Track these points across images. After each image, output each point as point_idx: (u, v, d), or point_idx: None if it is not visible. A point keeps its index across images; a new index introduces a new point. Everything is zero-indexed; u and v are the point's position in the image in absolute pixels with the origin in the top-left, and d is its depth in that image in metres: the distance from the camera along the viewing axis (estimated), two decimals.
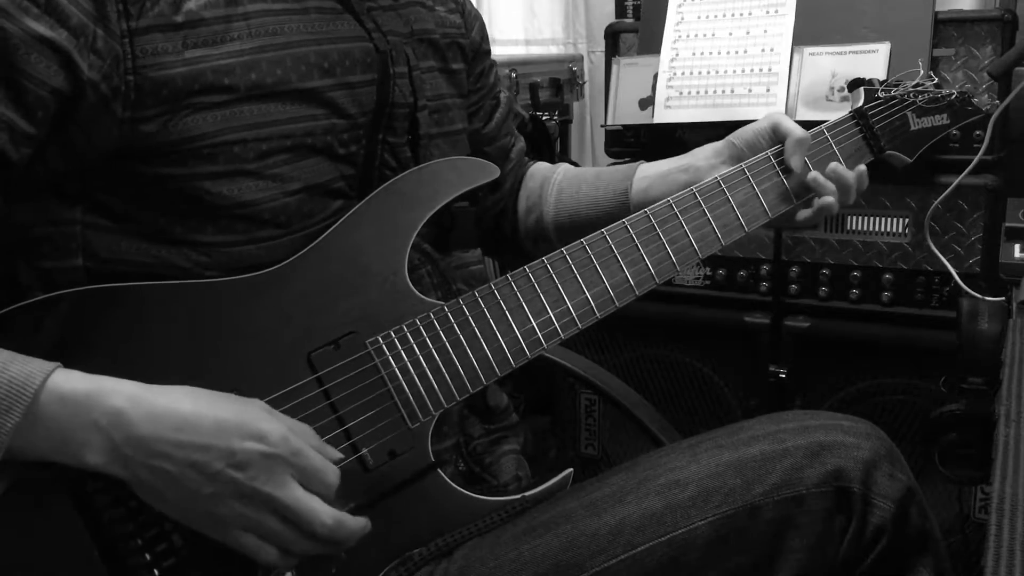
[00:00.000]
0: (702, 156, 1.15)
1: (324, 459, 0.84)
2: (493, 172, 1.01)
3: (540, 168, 1.29)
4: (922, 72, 1.27)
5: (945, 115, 1.25)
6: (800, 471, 0.95)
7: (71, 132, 0.85)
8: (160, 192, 0.88)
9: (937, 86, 1.27)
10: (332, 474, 0.84)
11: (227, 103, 0.88)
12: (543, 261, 0.99)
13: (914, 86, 1.24)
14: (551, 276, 0.99)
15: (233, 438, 0.80)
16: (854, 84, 1.23)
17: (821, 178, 1.11)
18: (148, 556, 0.83)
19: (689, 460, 0.99)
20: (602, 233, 1.02)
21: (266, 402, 0.85)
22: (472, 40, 1.17)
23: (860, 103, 1.20)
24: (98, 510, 0.82)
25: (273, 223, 0.91)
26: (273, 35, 0.91)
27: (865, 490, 0.95)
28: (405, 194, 0.97)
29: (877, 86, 1.22)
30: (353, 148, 0.97)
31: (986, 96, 1.70)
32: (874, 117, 1.19)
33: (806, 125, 1.71)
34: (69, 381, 0.79)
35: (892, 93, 1.21)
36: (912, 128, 1.22)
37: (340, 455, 0.87)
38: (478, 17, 1.21)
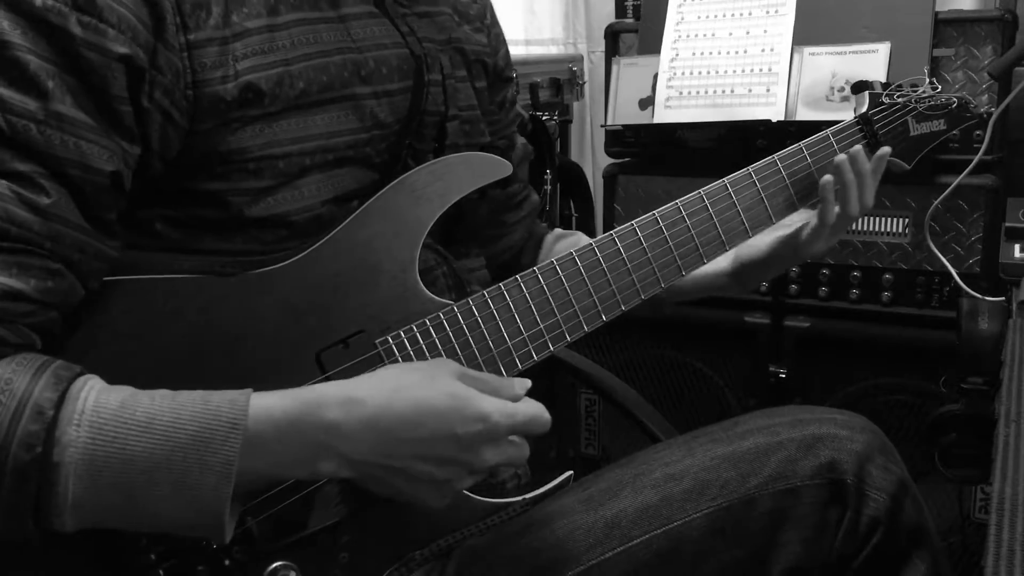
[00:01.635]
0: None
1: (532, 405, 0.85)
2: (506, 169, 0.99)
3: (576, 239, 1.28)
4: (927, 78, 1.26)
5: (943, 120, 1.25)
6: (794, 463, 0.96)
7: (151, 148, 0.83)
8: (197, 205, 0.87)
9: (933, 87, 1.26)
10: (544, 412, 0.85)
11: (274, 115, 0.87)
12: (552, 263, 0.98)
13: (919, 92, 1.23)
14: (560, 279, 0.98)
15: (456, 425, 0.80)
16: (858, 87, 1.22)
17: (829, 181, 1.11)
18: (153, 556, 0.83)
19: (684, 454, 0.99)
20: (611, 235, 1.01)
21: None
22: (496, 63, 1.16)
23: (864, 108, 1.19)
24: None
25: (302, 233, 0.90)
26: (312, 44, 0.90)
27: (859, 482, 0.95)
28: (417, 190, 0.95)
29: (880, 90, 1.21)
30: (386, 156, 0.96)
31: (986, 96, 1.70)
32: (878, 123, 1.18)
33: (806, 125, 1.72)
34: (272, 400, 0.77)
35: (896, 98, 1.21)
36: (912, 134, 1.22)
37: (528, 382, 0.89)
38: (504, 42, 1.19)
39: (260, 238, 0.89)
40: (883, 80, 1.26)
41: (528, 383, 0.88)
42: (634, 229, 1.03)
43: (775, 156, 1.11)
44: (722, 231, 1.07)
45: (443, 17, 1.06)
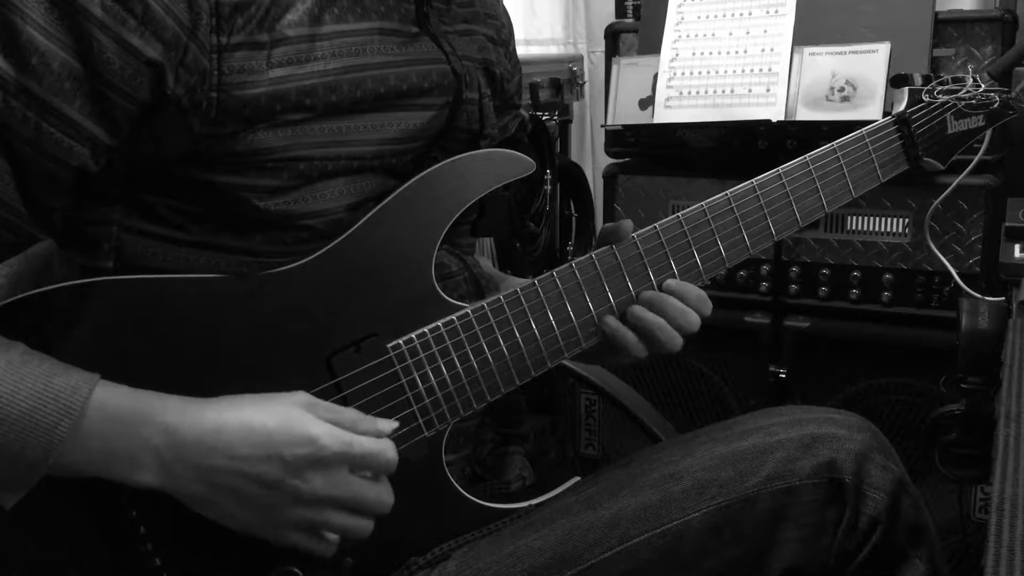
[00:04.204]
0: None
1: (376, 440, 0.84)
2: (529, 167, 0.98)
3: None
4: (970, 74, 1.20)
5: (981, 117, 1.19)
6: (793, 463, 0.96)
7: (143, 139, 0.84)
8: (212, 198, 0.87)
9: (976, 85, 1.20)
10: (389, 450, 0.84)
11: (300, 122, 0.87)
12: (571, 265, 0.96)
13: (963, 90, 1.17)
14: (578, 283, 0.96)
15: (283, 447, 0.79)
16: (898, 81, 1.15)
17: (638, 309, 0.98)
18: (158, 560, 0.84)
19: (683, 454, 0.99)
20: (633, 238, 0.99)
21: None
22: (509, 89, 1.16)
23: (903, 106, 1.13)
24: (109, 511, 0.82)
25: (323, 237, 0.90)
26: (355, 56, 0.89)
27: (858, 481, 0.95)
28: (437, 188, 0.93)
29: (921, 85, 1.15)
30: (410, 168, 0.95)
31: None
32: (916, 122, 1.13)
33: (806, 125, 1.72)
34: (114, 396, 0.78)
35: (936, 95, 1.15)
36: (949, 132, 1.16)
37: (395, 424, 0.87)
38: (520, 71, 1.20)
39: (281, 239, 0.89)
40: (923, 74, 1.18)
41: (394, 424, 0.87)
42: (657, 232, 1.00)
43: (807, 156, 1.06)
44: (747, 235, 1.03)
45: (480, 37, 1.06)
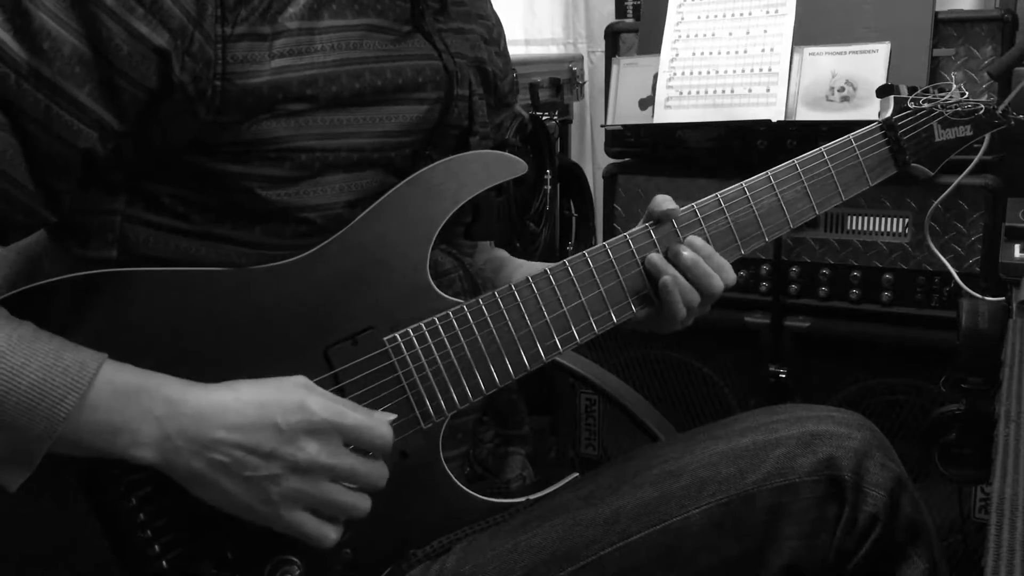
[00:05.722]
0: None
1: (370, 414, 0.86)
2: (521, 168, 0.99)
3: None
4: (954, 83, 1.22)
5: (969, 126, 1.22)
6: (793, 460, 0.96)
7: (150, 128, 0.85)
8: (216, 187, 0.88)
9: (961, 93, 1.22)
10: (382, 425, 0.86)
11: (302, 112, 0.88)
12: (565, 264, 0.98)
13: (947, 97, 1.19)
14: (572, 280, 0.98)
15: (276, 414, 0.81)
16: (883, 91, 1.19)
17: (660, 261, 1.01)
18: (157, 548, 0.84)
19: (683, 451, 1.00)
20: (625, 237, 1.01)
21: None
22: (502, 87, 1.17)
23: (889, 113, 1.16)
24: (109, 499, 0.83)
25: (321, 230, 0.91)
26: (353, 49, 0.91)
27: (857, 479, 0.95)
28: (431, 187, 0.95)
29: (906, 94, 1.18)
30: (408, 163, 0.97)
31: (986, 96, 1.70)
32: (902, 128, 1.15)
33: (806, 125, 1.72)
34: (120, 372, 0.80)
35: (922, 103, 1.17)
36: (936, 140, 1.19)
37: (393, 415, 0.88)
38: (512, 70, 1.22)
39: (281, 232, 0.90)
40: (909, 84, 1.21)
41: (392, 415, 0.88)
42: (649, 231, 1.02)
43: (795, 160, 1.08)
44: (738, 236, 1.05)
45: (474, 36, 1.08)
